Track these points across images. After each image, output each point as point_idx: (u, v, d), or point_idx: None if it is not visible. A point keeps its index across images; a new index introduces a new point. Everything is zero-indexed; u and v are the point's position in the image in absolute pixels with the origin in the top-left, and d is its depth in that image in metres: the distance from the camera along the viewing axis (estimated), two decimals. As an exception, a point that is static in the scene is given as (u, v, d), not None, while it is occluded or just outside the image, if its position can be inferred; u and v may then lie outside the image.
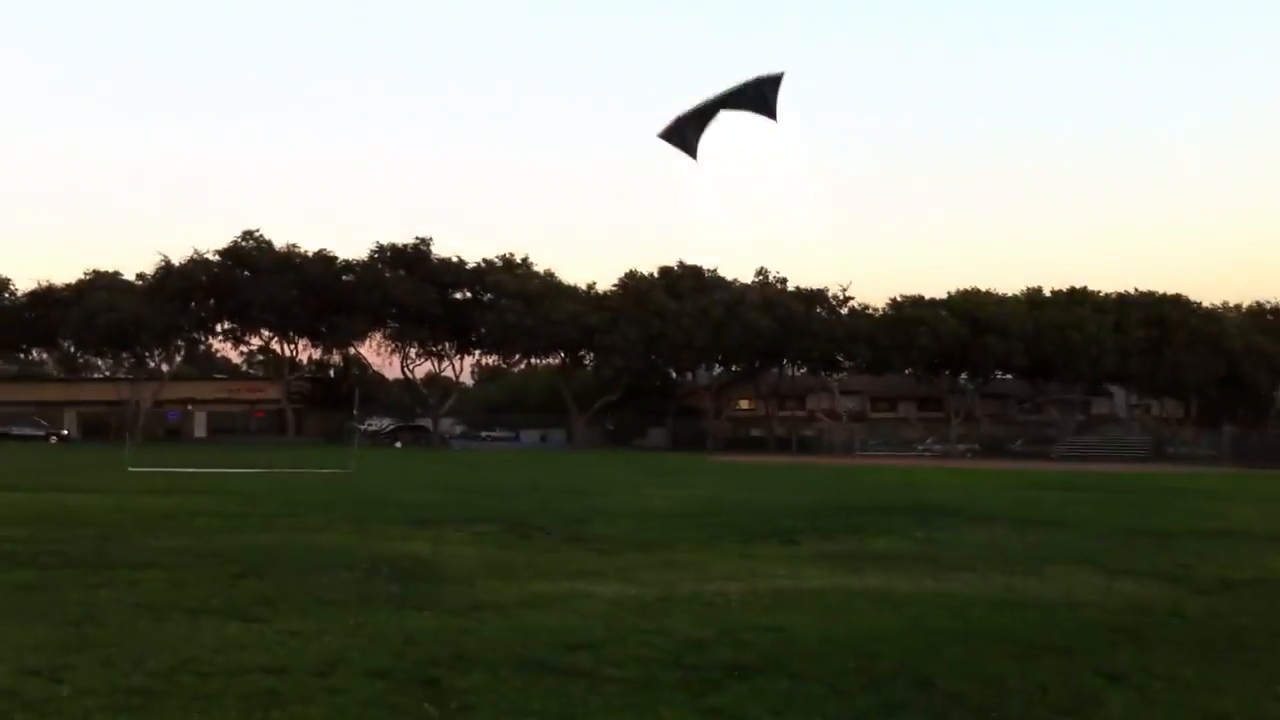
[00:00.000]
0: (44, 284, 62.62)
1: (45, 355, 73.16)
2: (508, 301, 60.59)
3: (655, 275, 63.32)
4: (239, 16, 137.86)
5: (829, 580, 9.57)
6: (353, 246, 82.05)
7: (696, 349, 61.29)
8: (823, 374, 64.56)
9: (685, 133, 12.54)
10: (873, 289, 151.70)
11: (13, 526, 12.80)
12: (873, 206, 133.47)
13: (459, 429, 66.00)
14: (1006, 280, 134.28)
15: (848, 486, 26.20)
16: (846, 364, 62.95)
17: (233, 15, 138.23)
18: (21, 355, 69.98)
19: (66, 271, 69.35)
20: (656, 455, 51.45)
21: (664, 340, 60.47)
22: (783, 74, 12.35)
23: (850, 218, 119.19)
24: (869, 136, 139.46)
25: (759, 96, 12.35)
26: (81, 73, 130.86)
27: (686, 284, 62.64)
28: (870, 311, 62.02)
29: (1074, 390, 64.57)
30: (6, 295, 63.24)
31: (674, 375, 67.94)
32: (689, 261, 63.60)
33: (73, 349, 65.83)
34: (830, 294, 62.27)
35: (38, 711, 4.90)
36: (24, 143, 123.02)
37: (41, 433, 59.40)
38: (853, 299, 62.11)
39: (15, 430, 58.29)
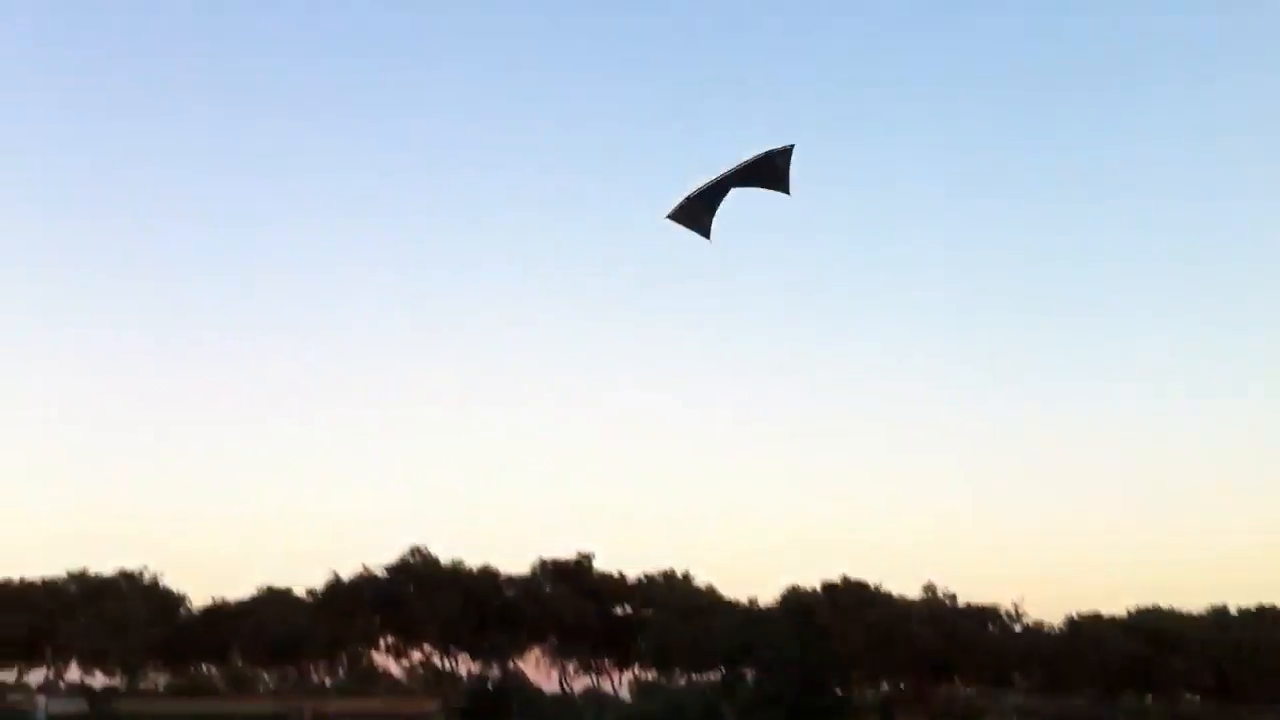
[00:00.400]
0: (218, 600, 69.04)
1: (214, 669, 79.34)
2: (667, 616, 64.83)
3: (818, 590, 67.38)
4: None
5: None
6: (515, 561, 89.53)
7: (862, 665, 64.17)
8: (996, 692, 66.59)
9: (695, 211, 12.75)
10: (1046, 604, 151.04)
11: None
12: (1042, 519, 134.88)
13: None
14: (1188, 597, 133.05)
15: None
16: (1021, 683, 64.96)
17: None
18: (192, 670, 76.11)
19: (240, 588, 78.77)
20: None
21: (828, 655, 63.57)
22: (793, 145, 12.67)
23: (1019, 533, 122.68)
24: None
25: (771, 169, 12.64)
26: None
27: (850, 599, 66.50)
28: (1046, 629, 64.68)
29: (1269, 713, 65.22)
30: (182, 611, 69.70)
31: (840, 692, 70.33)
32: (853, 576, 67.63)
33: (240, 662, 71.72)
34: (1003, 610, 65.27)
35: None
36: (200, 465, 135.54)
37: None
38: (1025, 614, 64.85)
39: None
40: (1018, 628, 65.99)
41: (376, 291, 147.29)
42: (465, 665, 71.19)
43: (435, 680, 72.53)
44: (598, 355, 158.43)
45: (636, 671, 73.31)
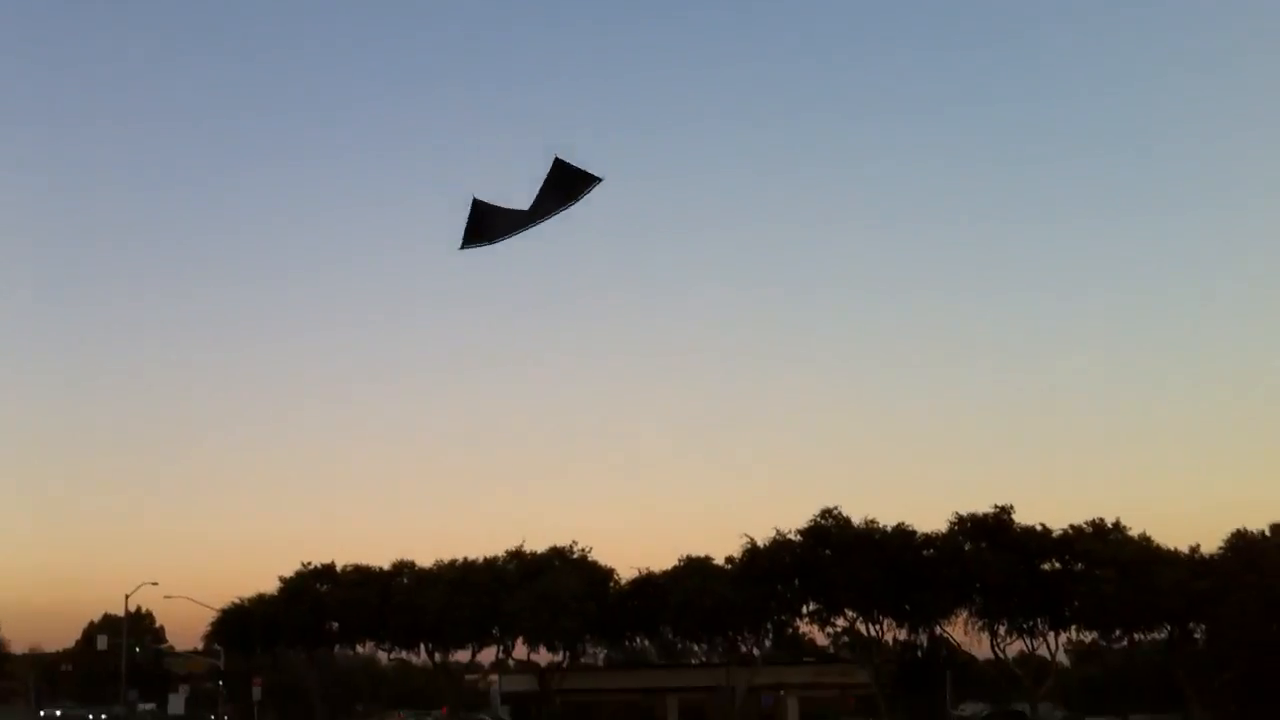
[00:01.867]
0: (644, 572, 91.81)
1: (647, 642, 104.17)
2: (1100, 570, 78.28)
3: (1268, 533, 78.17)
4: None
5: None
6: (931, 519, 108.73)
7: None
8: None
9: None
10: None
11: None
12: None
13: (1059, 714, 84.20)
14: None
15: None
16: None
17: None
18: (626, 643, 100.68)
19: (663, 559, 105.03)
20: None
21: (1288, 606, 74.08)
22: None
23: None
24: None
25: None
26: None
27: (1309, 541, 76.85)
28: None
29: None
30: (612, 585, 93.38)
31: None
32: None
33: (671, 635, 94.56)
34: None
35: None
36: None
37: None
38: None
39: None
40: None
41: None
42: (890, 631, 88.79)
43: (861, 647, 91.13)
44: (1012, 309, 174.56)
45: (1072, 633, 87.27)
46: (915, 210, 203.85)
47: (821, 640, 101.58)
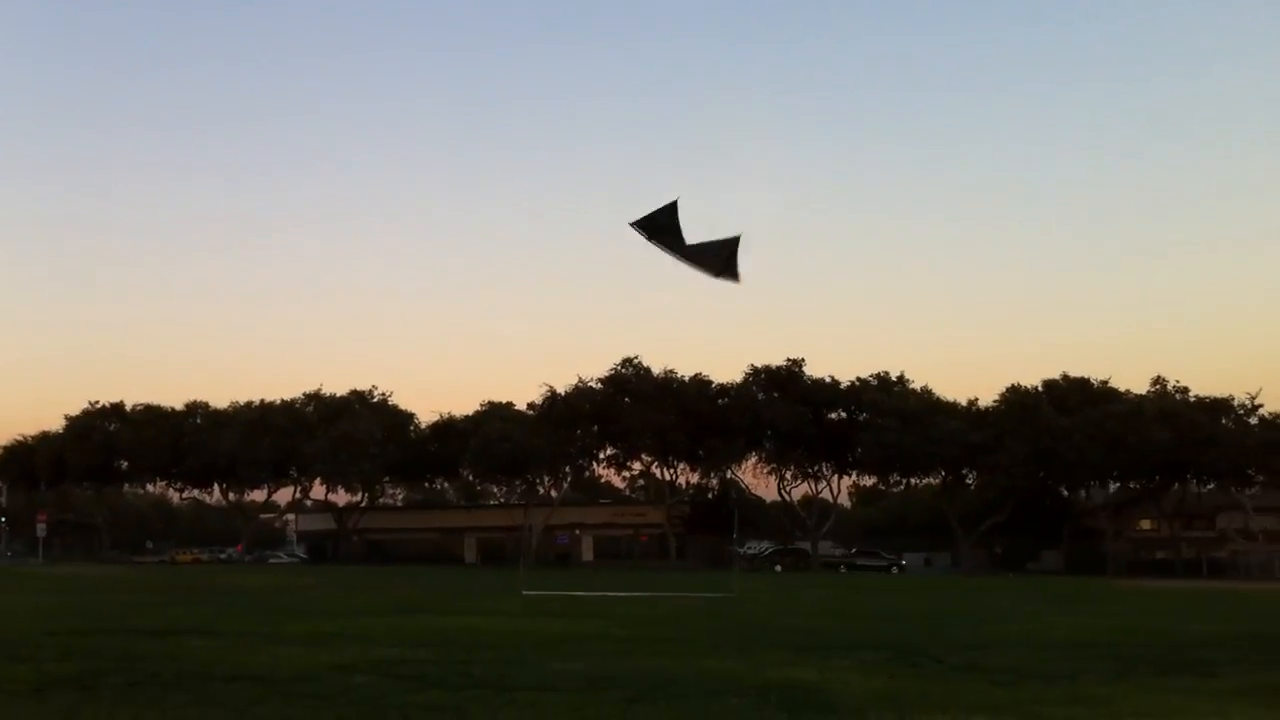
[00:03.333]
0: (445, 416, 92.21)
1: (447, 484, 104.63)
2: (884, 420, 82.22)
3: (1040, 389, 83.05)
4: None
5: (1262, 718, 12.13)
6: (727, 370, 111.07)
7: (1090, 466, 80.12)
8: (1233, 491, 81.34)
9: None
10: None
11: (422, 648, 18.71)
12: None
13: (838, 551, 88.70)
14: None
15: (1272, 613, 33.52)
16: (1260, 479, 79.49)
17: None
18: (426, 485, 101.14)
19: (465, 404, 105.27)
20: (1050, 580, 70.43)
21: (1054, 457, 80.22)
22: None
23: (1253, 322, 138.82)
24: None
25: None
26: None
27: (1074, 397, 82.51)
28: (1286, 419, 78.92)
29: None
30: (412, 429, 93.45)
31: (1066, 494, 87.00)
32: (1074, 373, 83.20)
33: (471, 477, 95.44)
34: (1237, 403, 79.67)
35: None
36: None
37: None
38: (1262, 406, 79.38)
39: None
40: (1254, 420, 79.95)
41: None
42: (684, 475, 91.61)
43: (656, 490, 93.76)
44: (810, 166, 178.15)
45: (855, 478, 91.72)
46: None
47: (618, 483, 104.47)
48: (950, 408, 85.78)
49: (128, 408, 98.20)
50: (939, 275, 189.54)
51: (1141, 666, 17.46)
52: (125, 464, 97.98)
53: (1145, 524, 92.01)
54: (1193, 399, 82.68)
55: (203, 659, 16.88)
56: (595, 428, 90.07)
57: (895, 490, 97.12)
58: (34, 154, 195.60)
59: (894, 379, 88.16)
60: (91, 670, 15.07)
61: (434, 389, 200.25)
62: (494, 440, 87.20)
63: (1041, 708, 12.81)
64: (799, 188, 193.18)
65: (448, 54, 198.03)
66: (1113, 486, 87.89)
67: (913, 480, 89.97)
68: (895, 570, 79.83)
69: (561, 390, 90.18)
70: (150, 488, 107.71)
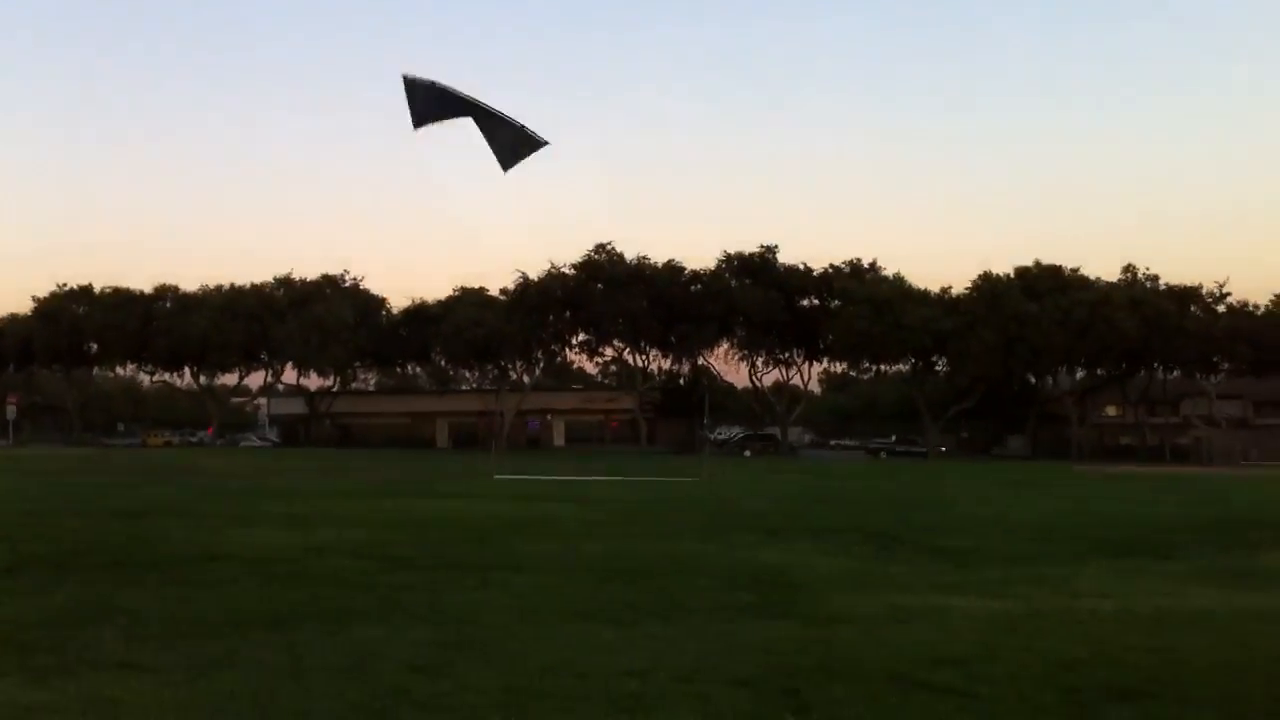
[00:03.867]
0: (416, 301, 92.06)
1: (419, 369, 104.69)
2: (856, 307, 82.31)
3: (1011, 276, 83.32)
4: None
5: (1216, 599, 12.33)
6: (700, 257, 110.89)
7: (1058, 352, 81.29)
8: (1198, 378, 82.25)
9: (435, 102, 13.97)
10: (1252, 283, 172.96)
11: (396, 531, 19.16)
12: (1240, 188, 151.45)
13: (808, 438, 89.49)
14: None
15: (1231, 498, 33.96)
16: (1225, 366, 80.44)
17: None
18: (398, 369, 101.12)
19: (437, 289, 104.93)
20: (1016, 464, 71.52)
21: (1022, 344, 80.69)
22: (547, 143, 14.30)
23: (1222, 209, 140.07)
24: None
25: (511, 145, 14.08)
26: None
27: (1045, 284, 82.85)
28: (1251, 309, 79.25)
29: None
30: (384, 314, 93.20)
31: (1034, 381, 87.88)
32: (1046, 261, 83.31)
33: (443, 363, 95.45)
34: (1205, 291, 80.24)
35: (425, 708, 7.08)
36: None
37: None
38: (1230, 295, 80.00)
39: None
40: (1221, 309, 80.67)
41: None
42: (656, 361, 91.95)
43: (628, 376, 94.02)
44: (786, 53, 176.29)
45: (825, 365, 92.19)
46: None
47: (590, 369, 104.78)
48: (922, 295, 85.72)
49: (96, 290, 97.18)
50: (915, 163, 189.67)
51: (1102, 549, 17.74)
52: (94, 347, 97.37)
53: (1111, 410, 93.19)
54: (1162, 287, 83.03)
55: (176, 540, 17.08)
56: (568, 314, 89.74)
57: (865, 377, 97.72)
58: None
59: (866, 266, 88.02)
60: (66, 550, 15.27)
61: (406, 274, 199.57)
62: (466, 325, 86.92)
63: (1003, 588, 13.04)
64: (775, 71, 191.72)
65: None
66: (1080, 373, 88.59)
67: (883, 367, 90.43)
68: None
69: (534, 276, 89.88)
70: (120, 371, 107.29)
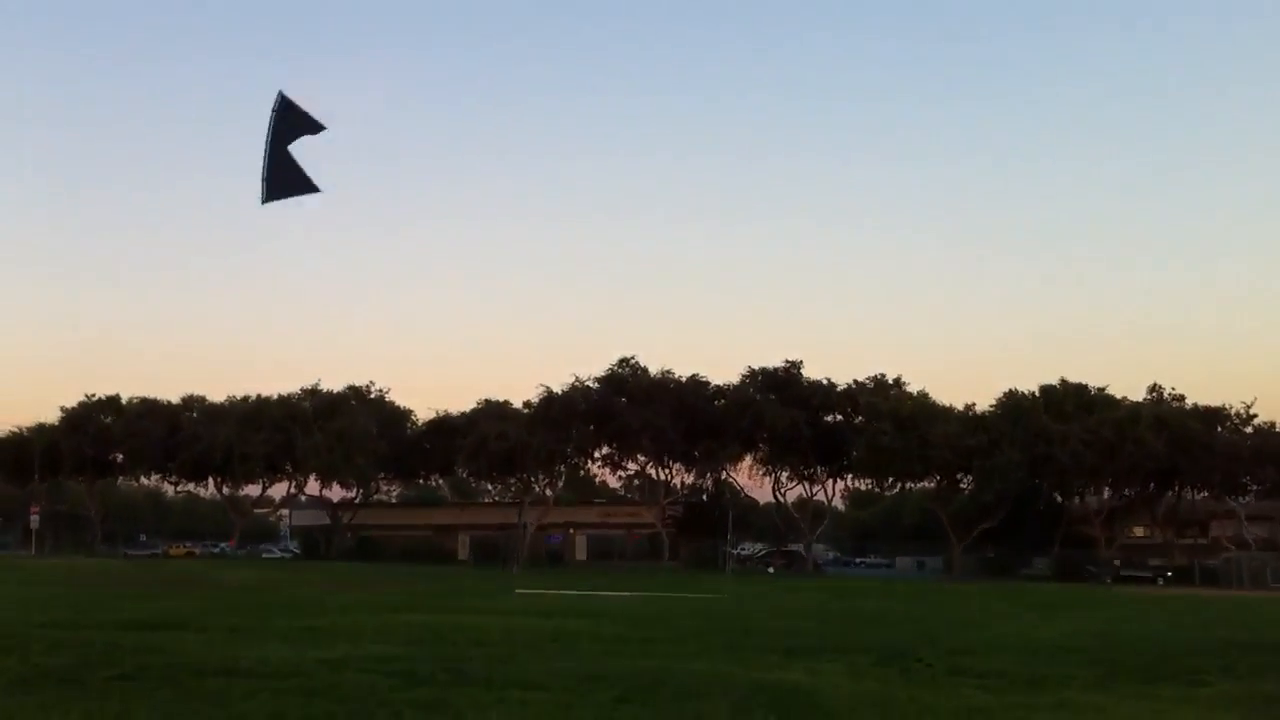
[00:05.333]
0: (441, 414, 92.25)
1: (441, 481, 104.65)
2: (880, 424, 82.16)
3: (1036, 394, 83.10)
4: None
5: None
6: (725, 372, 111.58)
7: (1085, 472, 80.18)
8: (1227, 498, 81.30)
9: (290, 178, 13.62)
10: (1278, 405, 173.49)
11: (413, 646, 18.94)
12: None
13: (832, 555, 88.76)
14: None
15: (1262, 622, 33.96)
16: (1254, 488, 79.57)
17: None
18: (421, 481, 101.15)
19: (461, 402, 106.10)
20: (1042, 585, 70.89)
21: (1049, 462, 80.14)
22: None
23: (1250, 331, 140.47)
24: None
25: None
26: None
27: (1070, 403, 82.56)
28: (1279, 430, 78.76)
29: None
30: (408, 425, 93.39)
31: (1060, 500, 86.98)
32: (1071, 379, 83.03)
33: (465, 474, 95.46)
34: (1233, 411, 79.85)
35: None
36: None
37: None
38: (1256, 416, 79.40)
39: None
40: (1249, 430, 79.98)
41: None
42: (679, 476, 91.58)
43: (651, 490, 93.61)
44: (813, 170, 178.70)
45: (850, 481, 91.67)
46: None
47: (613, 483, 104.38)
48: (946, 412, 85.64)
49: (124, 400, 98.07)
50: (938, 280, 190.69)
51: (1131, 673, 17.34)
52: (120, 457, 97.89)
53: (1138, 530, 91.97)
54: (1188, 407, 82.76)
55: (193, 653, 16.90)
56: (591, 427, 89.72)
57: (889, 494, 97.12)
58: (33, 146, 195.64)
59: (890, 382, 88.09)
60: (80, 663, 15.10)
61: (431, 386, 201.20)
62: (489, 438, 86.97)
63: (1030, 713, 12.78)
64: (796, 186, 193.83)
65: (436, 51, 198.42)
66: (1107, 493, 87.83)
67: (907, 484, 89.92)
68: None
69: (558, 389, 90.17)
70: (144, 480, 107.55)
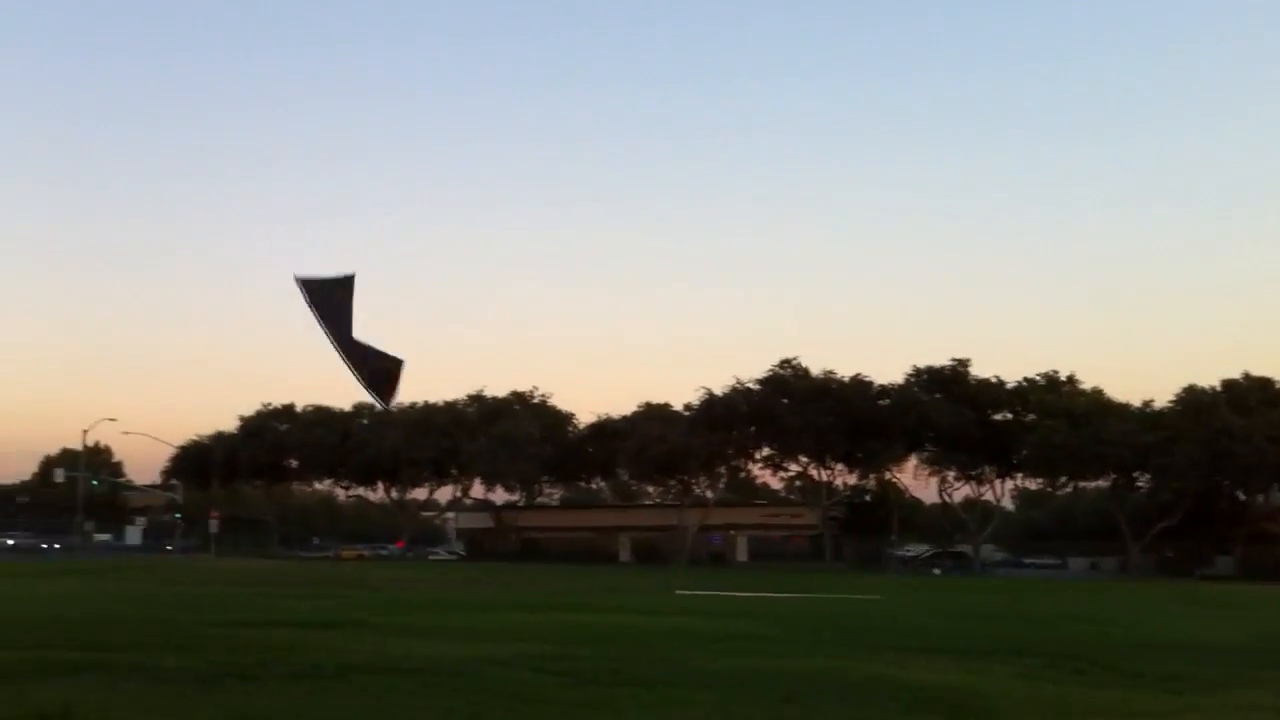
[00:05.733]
0: (602, 417, 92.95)
1: (602, 483, 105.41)
2: (1051, 421, 80.00)
3: (1218, 389, 79.89)
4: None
5: None
6: (889, 371, 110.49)
7: (1269, 469, 76.57)
8: None
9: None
10: None
11: (578, 645, 18.84)
12: None
13: (1000, 555, 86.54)
14: None
15: None
16: None
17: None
18: (582, 484, 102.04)
19: (623, 405, 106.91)
20: (1224, 585, 68.05)
21: (1230, 459, 77.01)
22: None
23: None
24: None
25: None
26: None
27: (1254, 397, 79.16)
28: None
29: None
30: (570, 429, 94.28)
31: (1242, 498, 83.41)
32: (1255, 373, 79.60)
33: (627, 477, 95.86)
34: None
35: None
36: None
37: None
38: None
39: None
40: None
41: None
42: (841, 477, 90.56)
43: (813, 491, 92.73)
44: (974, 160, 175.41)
45: (1019, 480, 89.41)
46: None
47: (775, 484, 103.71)
48: (1122, 409, 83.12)
49: (298, 409, 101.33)
50: (1115, 272, 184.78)
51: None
52: (294, 463, 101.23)
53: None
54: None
55: (365, 651, 17.21)
56: (752, 428, 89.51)
57: (1061, 493, 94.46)
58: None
59: (1063, 379, 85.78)
60: (257, 661, 15.44)
61: (592, 391, 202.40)
62: (650, 440, 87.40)
63: (1210, 716, 12.37)
64: (960, 180, 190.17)
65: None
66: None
67: (1080, 483, 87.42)
68: None
69: (719, 391, 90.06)
70: (317, 485, 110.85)
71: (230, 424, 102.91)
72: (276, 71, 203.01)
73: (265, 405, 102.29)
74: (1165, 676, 16.04)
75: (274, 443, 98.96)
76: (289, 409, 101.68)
